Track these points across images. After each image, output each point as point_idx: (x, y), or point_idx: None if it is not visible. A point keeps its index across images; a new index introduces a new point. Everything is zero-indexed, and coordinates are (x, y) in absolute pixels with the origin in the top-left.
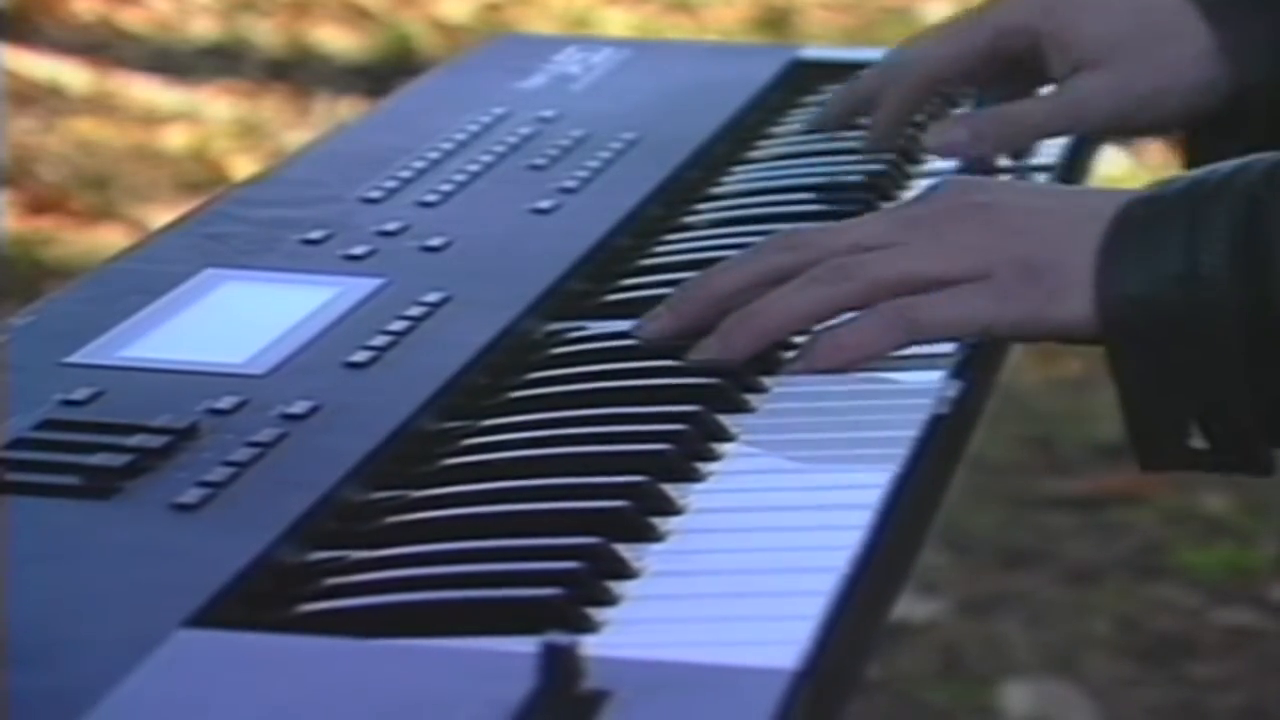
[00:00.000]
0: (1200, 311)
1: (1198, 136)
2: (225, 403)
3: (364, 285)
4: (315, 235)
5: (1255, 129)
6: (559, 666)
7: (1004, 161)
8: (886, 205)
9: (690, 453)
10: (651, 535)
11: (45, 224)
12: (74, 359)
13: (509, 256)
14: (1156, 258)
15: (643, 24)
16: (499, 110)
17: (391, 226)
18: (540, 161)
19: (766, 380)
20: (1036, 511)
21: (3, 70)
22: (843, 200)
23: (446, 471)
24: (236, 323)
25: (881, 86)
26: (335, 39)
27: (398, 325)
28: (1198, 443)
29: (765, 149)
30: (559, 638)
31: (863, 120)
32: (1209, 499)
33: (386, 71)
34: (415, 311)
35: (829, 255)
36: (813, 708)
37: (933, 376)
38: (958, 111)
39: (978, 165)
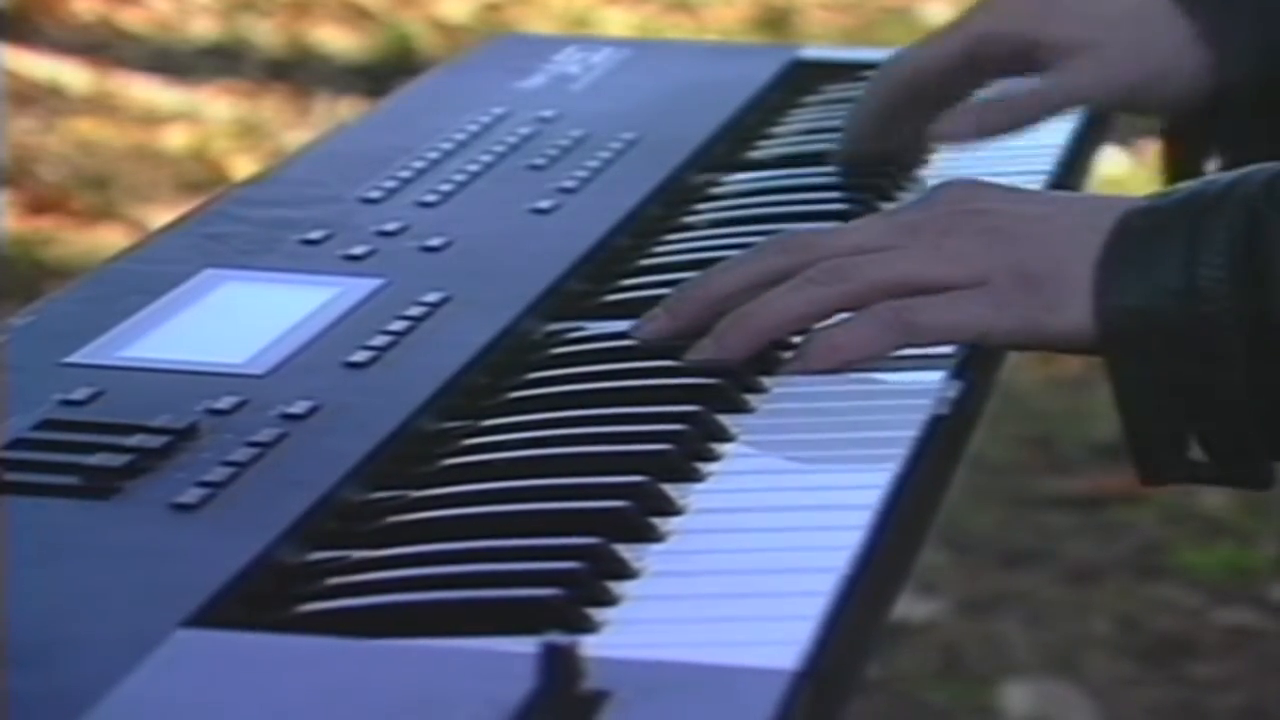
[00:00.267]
0: (1199, 324)
1: (1180, 127)
2: (225, 403)
3: (364, 285)
4: (315, 235)
5: (1237, 120)
6: (559, 666)
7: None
8: (886, 206)
9: (690, 453)
10: (651, 535)
11: (45, 224)
12: (74, 359)
13: (509, 256)
14: (1155, 270)
15: (643, 24)
16: (499, 110)
17: (391, 226)
18: (540, 161)
19: (766, 380)
20: (1036, 511)
21: (3, 70)
22: (842, 201)
23: (446, 471)
24: (236, 323)
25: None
26: (335, 39)
27: (398, 325)
28: (1197, 455)
29: (765, 149)
30: (559, 638)
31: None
32: (1209, 499)
33: (386, 71)
34: (415, 311)
35: (827, 257)
36: (813, 708)
37: (933, 376)
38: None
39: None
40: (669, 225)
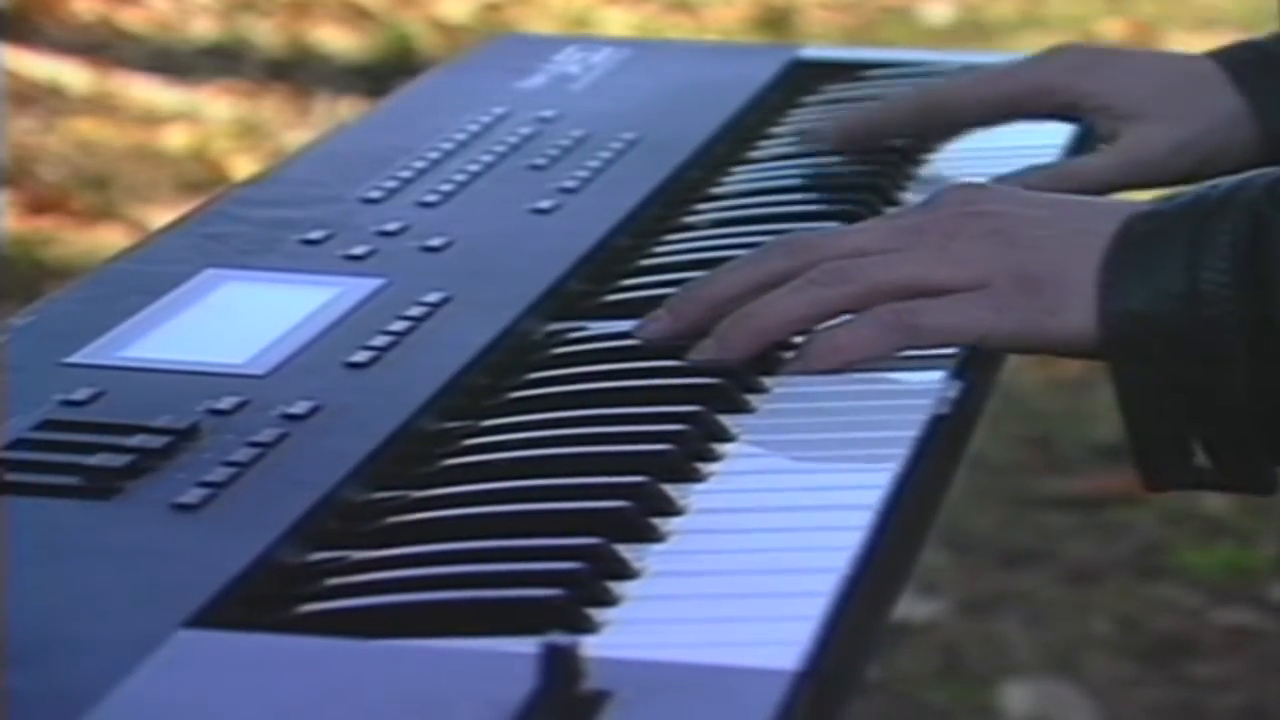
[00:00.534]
0: (1202, 328)
1: None
2: (225, 403)
3: (364, 285)
4: (315, 235)
5: None
6: (559, 667)
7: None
8: (887, 207)
9: (691, 453)
10: (652, 536)
11: (45, 224)
12: (74, 359)
13: (509, 256)
14: (1158, 275)
15: (643, 24)
16: (499, 110)
17: (391, 226)
18: (540, 161)
19: (767, 380)
20: (1036, 511)
21: (3, 70)
22: (843, 201)
23: (447, 472)
24: (236, 323)
25: (896, 101)
26: (335, 39)
27: (398, 325)
28: (1201, 461)
29: (765, 149)
30: (559, 638)
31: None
32: (1209, 499)
33: (386, 71)
34: (415, 311)
35: (830, 259)
36: (813, 708)
37: (933, 376)
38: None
39: None
40: (669, 225)
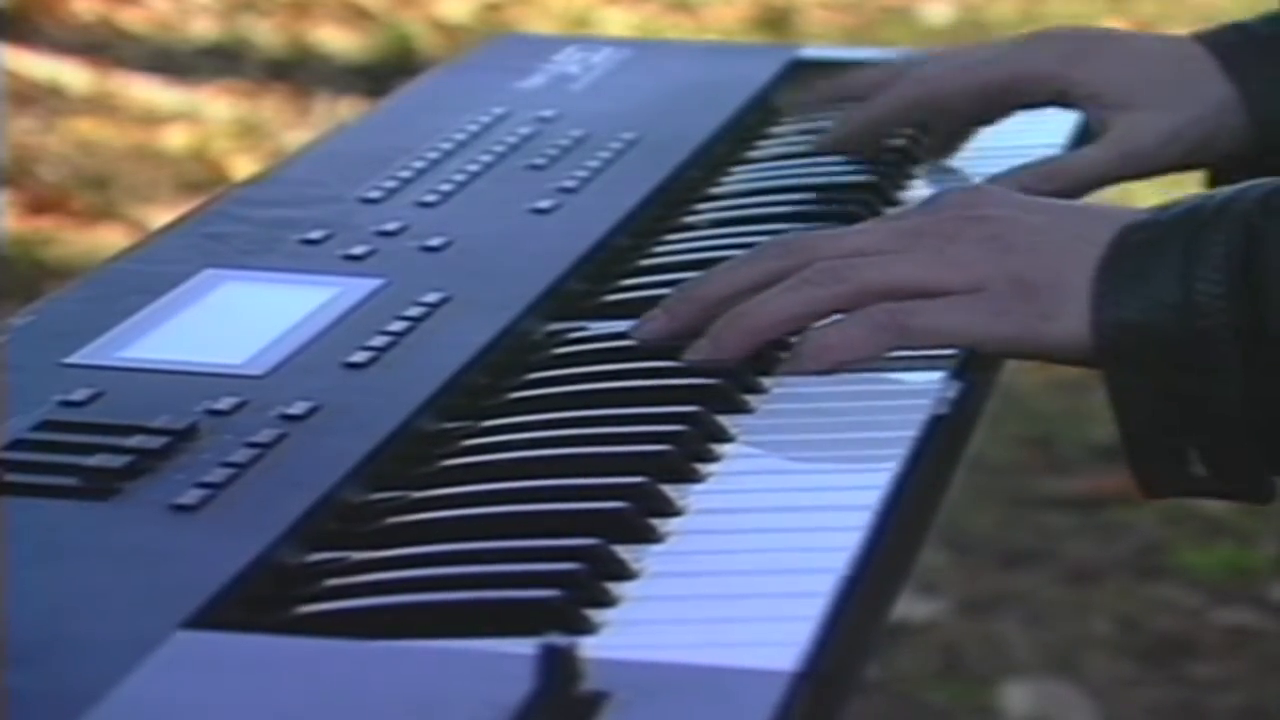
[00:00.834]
0: (1196, 339)
1: (1220, 178)
2: (225, 403)
3: (364, 285)
4: (315, 235)
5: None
6: (558, 668)
7: None
8: (887, 207)
9: (690, 453)
10: (651, 536)
11: (45, 224)
12: (74, 359)
13: (509, 256)
14: (1153, 284)
15: (643, 24)
16: (499, 110)
17: (391, 226)
18: (540, 161)
19: (766, 381)
20: (1036, 511)
21: (3, 70)
22: (843, 201)
23: (446, 472)
24: (236, 323)
25: (875, 87)
26: (335, 39)
27: (398, 325)
28: (1197, 469)
29: (765, 149)
30: (558, 639)
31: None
32: (1209, 500)
33: (386, 71)
34: (415, 311)
35: (826, 259)
36: (812, 709)
37: (933, 376)
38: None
39: None
40: (669, 225)
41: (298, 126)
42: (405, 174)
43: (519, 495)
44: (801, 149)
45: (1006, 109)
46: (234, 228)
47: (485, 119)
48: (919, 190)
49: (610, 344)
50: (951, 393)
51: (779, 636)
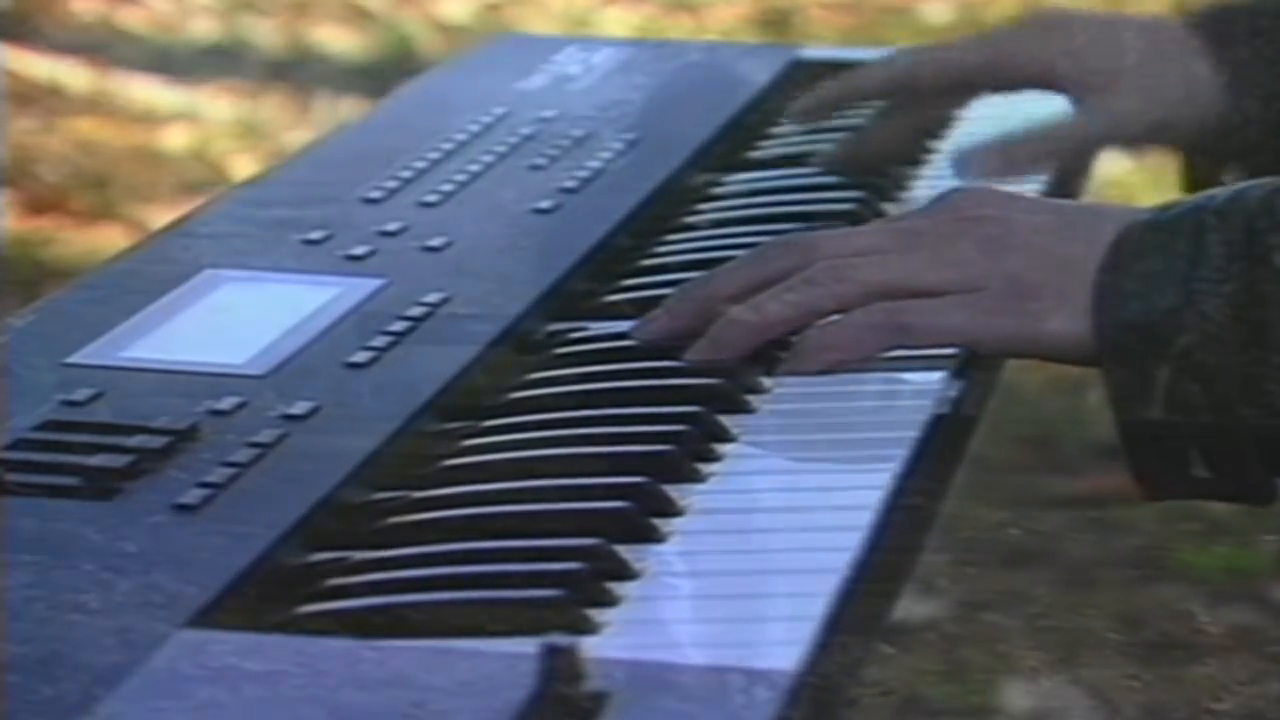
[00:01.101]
0: (1198, 340)
1: (1198, 157)
2: (225, 403)
3: (364, 285)
4: (315, 235)
5: (1254, 153)
6: (559, 667)
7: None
8: (886, 206)
9: (691, 453)
10: (652, 536)
11: (45, 224)
12: (74, 359)
13: (509, 256)
14: (1154, 286)
15: (643, 24)
16: (499, 110)
17: (391, 226)
18: (540, 161)
19: (766, 380)
20: (1036, 511)
21: (3, 70)
22: (843, 201)
23: (447, 472)
24: (236, 323)
25: (865, 72)
26: (335, 39)
27: (398, 325)
28: (1199, 471)
29: (765, 149)
30: (559, 639)
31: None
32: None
33: (386, 71)
34: (415, 311)
35: (825, 259)
36: (812, 709)
37: (933, 376)
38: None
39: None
40: (669, 225)
41: (298, 126)
42: (405, 174)
43: (520, 495)
44: (801, 149)
45: (985, 91)
46: (234, 228)
47: (485, 119)
48: (920, 190)
49: (610, 344)
50: (952, 392)
51: (780, 636)
